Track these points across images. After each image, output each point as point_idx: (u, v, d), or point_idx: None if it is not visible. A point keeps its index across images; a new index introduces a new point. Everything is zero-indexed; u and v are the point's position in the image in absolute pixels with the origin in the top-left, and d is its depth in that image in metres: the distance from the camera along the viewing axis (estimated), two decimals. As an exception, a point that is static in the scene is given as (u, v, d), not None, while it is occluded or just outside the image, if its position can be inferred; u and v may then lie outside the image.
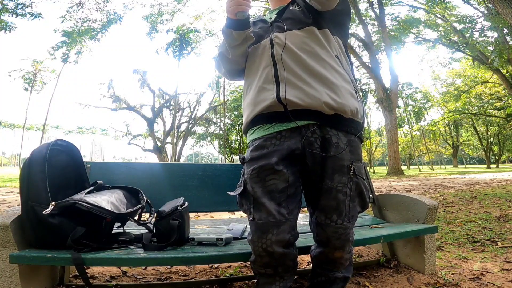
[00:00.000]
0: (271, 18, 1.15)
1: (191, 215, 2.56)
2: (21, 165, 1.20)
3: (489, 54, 16.20)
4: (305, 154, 1.00)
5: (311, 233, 1.11)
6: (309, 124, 1.00)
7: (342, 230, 1.00)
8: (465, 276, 1.53)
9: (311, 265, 1.17)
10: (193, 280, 1.51)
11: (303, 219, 1.75)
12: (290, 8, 1.13)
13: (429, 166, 33.81)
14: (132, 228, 1.43)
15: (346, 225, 1.00)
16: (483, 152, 36.60)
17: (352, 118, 1.03)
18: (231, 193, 1.08)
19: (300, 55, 1.02)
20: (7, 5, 13.72)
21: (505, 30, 14.45)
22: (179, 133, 24.83)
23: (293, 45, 1.04)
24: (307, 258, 1.79)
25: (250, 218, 1.01)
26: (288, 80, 1.00)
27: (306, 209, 1.18)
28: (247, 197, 1.02)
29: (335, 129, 1.01)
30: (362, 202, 1.05)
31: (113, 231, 1.28)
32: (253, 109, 1.06)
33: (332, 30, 1.10)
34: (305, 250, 1.16)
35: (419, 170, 26.64)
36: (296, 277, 1.48)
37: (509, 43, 15.18)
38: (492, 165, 34.10)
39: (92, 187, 1.26)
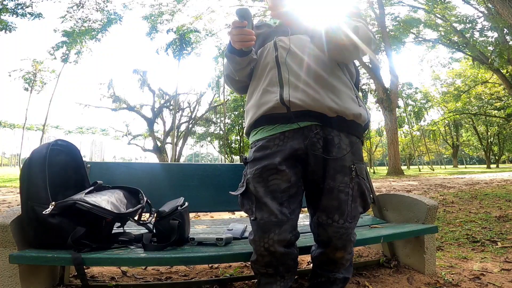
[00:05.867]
0: (275, 23, 1.17)
1: (191, 215, 2.57)
2: (21, 165, 1.20)
3: (489, 54, 16.18)
4: (307, 155, 1.01)
5: (311, 233, 1.11)
6: (311, 125, 1.01)
7: (343, 230, 1.00)
8: (465, 276, 1.53)
9: (311, 265, 1.17)
10: (193, 280, 1.51)
11: (303, 219, 1.75)
12: None
13: (429, 166, 33.80)
14: (132, 228, 1.43)
15: (348, 225, 1.00)
16: (483, 152, 36.60)
17: (354, 120, 1.04)
18: (233, 193, 1.09)
19: (304, 58, 1.03)
20: (7, 5, 13.72)
21: (505, 30, 14.44)
22: (179, 133, 24.83)
23: (297, 48, 1.05)
24: (307, 258, 1.79)
25: (252, 218, 1.01)
26: (291, 83, 1.01)
27: (305, 209, 1.18)
28: (249, 196, 1.03)
29: (337, 130, 1.02)
30: (364, 202, 1.05)
31: (113, 231, 1.27)
32: (256, 111, 1.07)
33: None
34: (305, 250, 1.16)
35: (419, 170, 26.64)
36: (296, 277, 1.48)
37: (509, 43, 15.17)
38: (492, 165, 34.10)
39: (92, 187, 1.26)
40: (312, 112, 0.99)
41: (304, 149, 1.00)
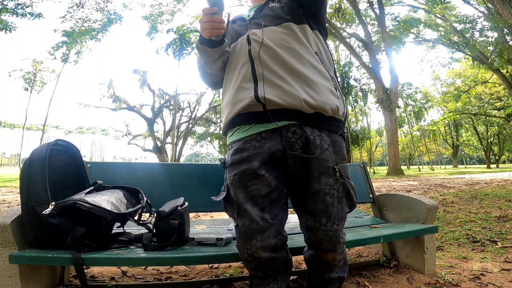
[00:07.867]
0: (249, 16, 1.12)
1: (191, 215, 2.57)
2: (21, 165, 1.20)
3: (489, 54, 16.20)
4: (286, 156, 0.98)
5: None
6: (289, 124, 0.97)
7: (332, 233, 0.98)
8: (465, 276, 1.53)
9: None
10: (193, 280, 1.51)
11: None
12: (270, 5, 1.10)
13: (429, 166, 33.80)
14: (132, 228, 1.43)
15: (336, 227, 0.99)
16: (483, 152, 36.62)
17: (334, 116, 1.00)
18: (215, 198, 1.06)
19: (278, 51, 0.99)
20: (7, 5, 13.72)
21: (505, 30, 14.45)
22: (179, 133, 24.84)
23: (271, 41, 1.00)
24: (307, 258, 1.79)
25: (234, 224, 1.00)
26: (266, 78, 0.97)
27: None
28: (230, 202, 1.01)
29: (317, 128, 0.98)
30: (350, 202, 1.03)
31: (113, 231, 1.27)
32: (231, 109, 1.02)
33: (312, 25, 1.07)
34: (298, 250, 1.15)
35: (419, 170, 26.62)
36: (296, 277, 1.48)
37: (509, 43, 15.18)
38: (492, 165, 34.12)
39: (92, 187, 1.26)
40: (289, 110, 0.95)
41: (282, 151, 0.97)
